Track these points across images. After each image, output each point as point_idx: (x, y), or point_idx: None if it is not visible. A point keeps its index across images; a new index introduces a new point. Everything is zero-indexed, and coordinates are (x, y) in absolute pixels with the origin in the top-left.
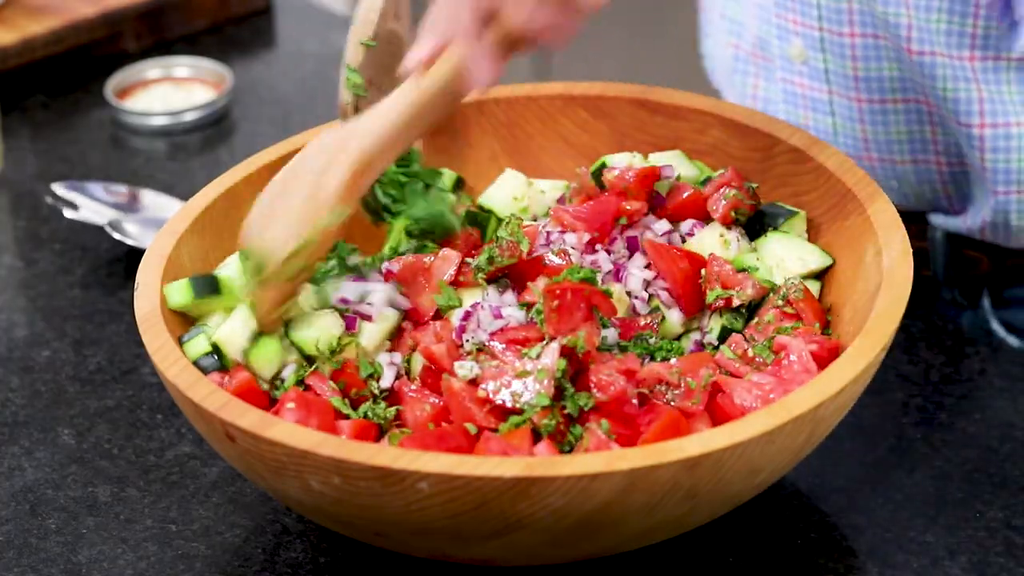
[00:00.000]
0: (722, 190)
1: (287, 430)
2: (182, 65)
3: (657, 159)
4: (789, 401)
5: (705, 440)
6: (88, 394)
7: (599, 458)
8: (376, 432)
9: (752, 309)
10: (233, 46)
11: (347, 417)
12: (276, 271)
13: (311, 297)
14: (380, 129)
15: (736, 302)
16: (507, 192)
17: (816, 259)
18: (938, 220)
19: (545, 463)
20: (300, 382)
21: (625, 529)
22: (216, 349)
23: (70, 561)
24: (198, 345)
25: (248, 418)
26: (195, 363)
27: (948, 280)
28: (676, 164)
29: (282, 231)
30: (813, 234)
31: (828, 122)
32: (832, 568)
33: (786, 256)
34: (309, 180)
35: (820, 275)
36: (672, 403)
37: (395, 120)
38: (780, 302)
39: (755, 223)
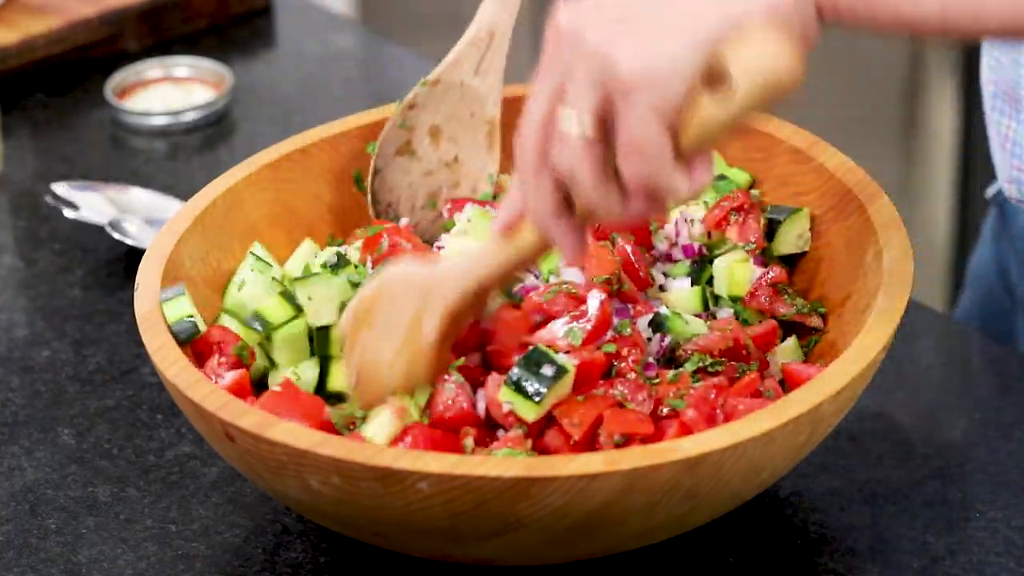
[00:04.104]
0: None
1: (287, 430)
2: (182, 65)
3: None
4: (789, 401)
5: (705, 440)
6: (88, 394)
7: (599, 458)
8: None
9: None
10: (233, 46)
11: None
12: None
13: None
14: (471, 285)
15: None
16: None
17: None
18: None
19: (545, 463)
20: None
21: (625, 529)
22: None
23: (70, 561)
24: (179, 307)
25: (248, 418)
26: (171, 326)
27: None
28: None
29: (381, 373)
30: (814, 234)
31: None
32: (832, 568)
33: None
34: (403, 325)
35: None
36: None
37: (485, 277)
38: None
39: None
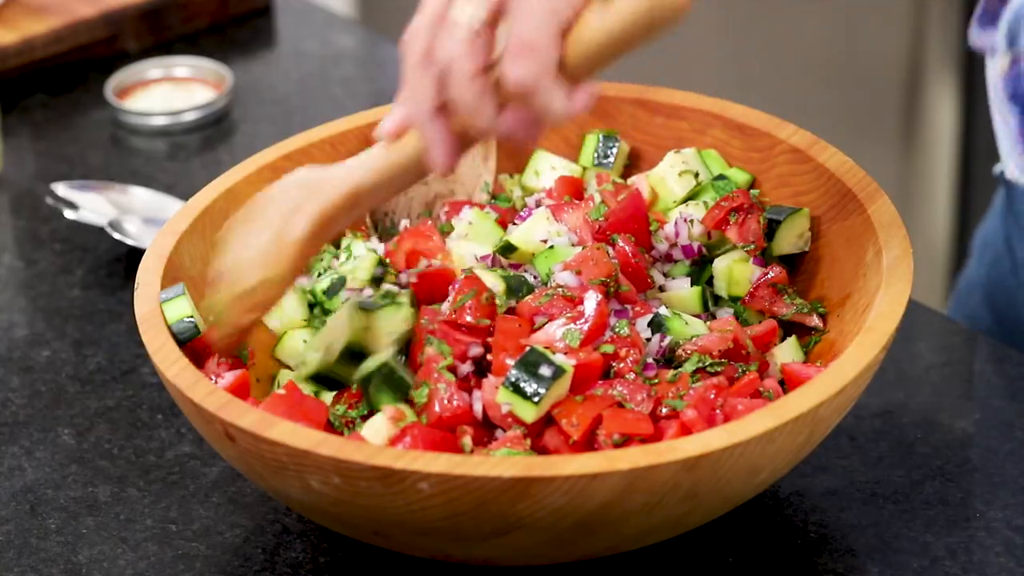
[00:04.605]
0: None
1: (287, 430)
2: (182, 65)
3: (671, 159)
4: (789, 401)
5: (704, 440)
6: (88, 394)
7: (599, 458)
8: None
9: None
10: (233, 46)
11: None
12: (229, 303)
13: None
14: (347, 188)
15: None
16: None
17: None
18: None
19: (545, 463)
20: None
21: (625, 529)
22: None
23: (70, 561)
24: (178, 307)
25: (248, 418)
26: (171, 327)
27: None
28: (692, 164)
29: (245, 265)
30: (814, 234)
31: None
32: (832, 568)
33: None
34: (277, 219)
35: (795, 264)
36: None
37: (361, 182)
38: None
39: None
